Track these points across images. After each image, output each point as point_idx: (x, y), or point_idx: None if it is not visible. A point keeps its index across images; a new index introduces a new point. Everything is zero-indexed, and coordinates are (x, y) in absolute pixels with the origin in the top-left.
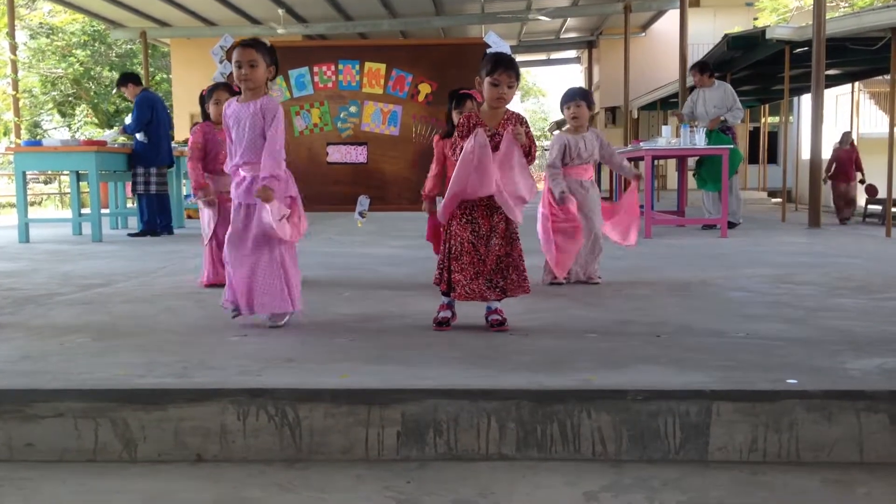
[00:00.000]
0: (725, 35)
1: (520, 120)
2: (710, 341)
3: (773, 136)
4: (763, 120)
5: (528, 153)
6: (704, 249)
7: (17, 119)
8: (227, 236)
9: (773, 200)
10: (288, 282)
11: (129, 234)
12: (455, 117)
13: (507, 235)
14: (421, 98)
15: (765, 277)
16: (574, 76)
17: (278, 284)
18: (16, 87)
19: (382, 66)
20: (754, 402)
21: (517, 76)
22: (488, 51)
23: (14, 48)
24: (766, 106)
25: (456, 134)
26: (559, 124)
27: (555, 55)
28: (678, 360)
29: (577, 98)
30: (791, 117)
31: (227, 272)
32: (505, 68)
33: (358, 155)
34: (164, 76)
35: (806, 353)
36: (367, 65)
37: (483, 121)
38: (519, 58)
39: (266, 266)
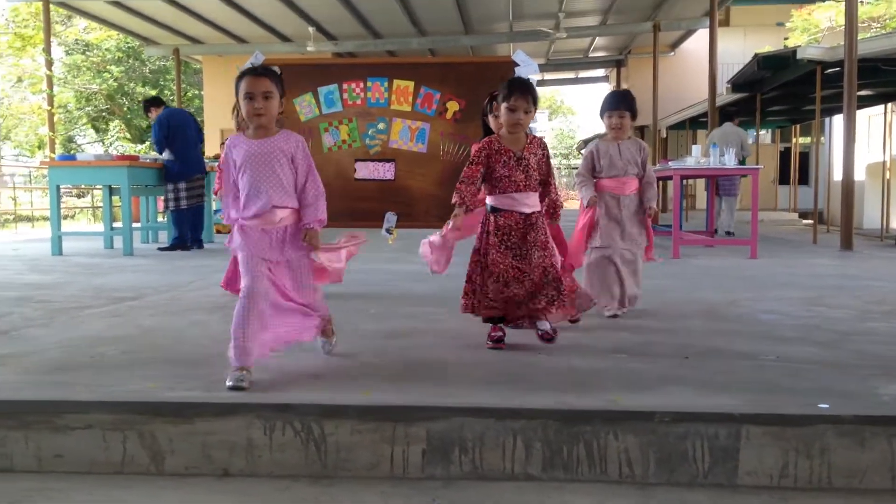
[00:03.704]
0: (756, 54)
1: (542, 144)
2: (739, 364)
3: (804, 157)
4: (794, 140)
5: (549, 183)
6: (733, 270)
7: (51, 134)
8: (253, 299)
9: (805, 222)
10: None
11: (160, 248)
12: (491, 121)
13: (547, 248)
14: (449, 116)
15: (795, 300)
16: (602, 95)
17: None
18: (51, 103)
19: (411, 84)
20: (785, 427)
21: (534, 100)
22: (517, 68)
23: (50, 64)
24: (798, 126)
25: (473, 154)
26: (587, 143)
27: (583, 74)
28: (707, 382)
29: (620, 108)
30: (823, 138)
31: (249, 341)
32: (521, 93)
33: (385, 172)
34: (196, 92)
35: (837, 378)
36: (396, 82)
37: (506, 146)
38: (547, 76)
39: (319, 299)
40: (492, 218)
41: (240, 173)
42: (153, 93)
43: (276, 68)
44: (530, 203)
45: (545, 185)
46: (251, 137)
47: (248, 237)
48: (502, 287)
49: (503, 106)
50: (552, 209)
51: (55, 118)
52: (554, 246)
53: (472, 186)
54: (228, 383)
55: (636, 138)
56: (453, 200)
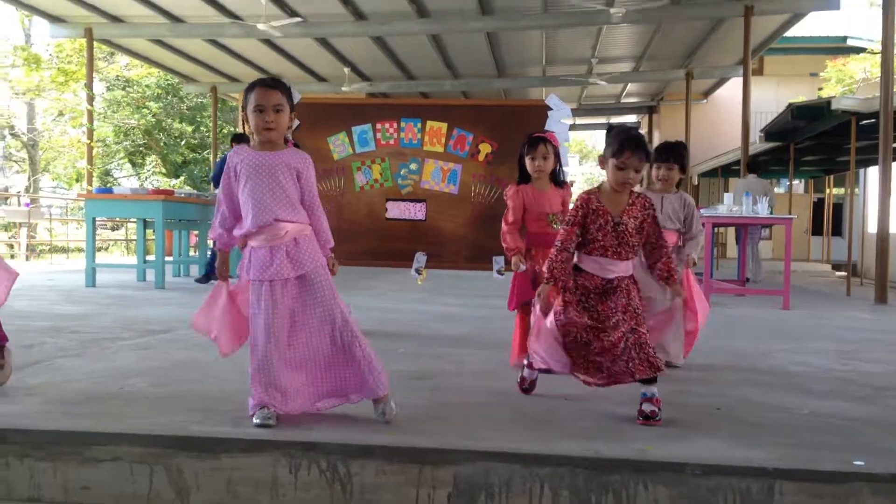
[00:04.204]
0: (790, 104)
1: (645, 205)
2: (771, 416)
3: (837, 208)
4: (828, 191)
5: (658, 245)
6: (765, 321)
7: (89, 167)
8: (270, 331)
9: (838, 274)
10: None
11: (196, 280)
12: (528, 163)
13: (629, 311)
14: (481, 157)
15: (829, 353)
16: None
17: (374, 357)
18: (91, 137)
19: (444, 125)
20: (818, 483)
21: (647, 156)
22: (549, 112)
23: (91, 99)
24: (831, 177)
25: (571, 212)
26: None
27: (615, 119)
28: (739, 435)
29: (669, 160)
30: (857, 189)
31: (272, 378)
32: (633, 150)
33: (417, 212)
34: (231, 129)
35: (873, 434)
36: (429, 123)
37: (605, 206)
38: (578, 121)
39: (351, 341)
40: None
41: (241, 186)
42: (189, 129)
43: (300, 97)
44: (616, 270)
45: (654, 247)
46: (256, 149)
47: (256, 260)
48: (582, 347)
49: (611, 162)
50: (666, 273)
51: (94, 152)
52: (640, 310)
53: (566, 253)
54: (255, 421)
55: (683, 193)
56: (545, 274)
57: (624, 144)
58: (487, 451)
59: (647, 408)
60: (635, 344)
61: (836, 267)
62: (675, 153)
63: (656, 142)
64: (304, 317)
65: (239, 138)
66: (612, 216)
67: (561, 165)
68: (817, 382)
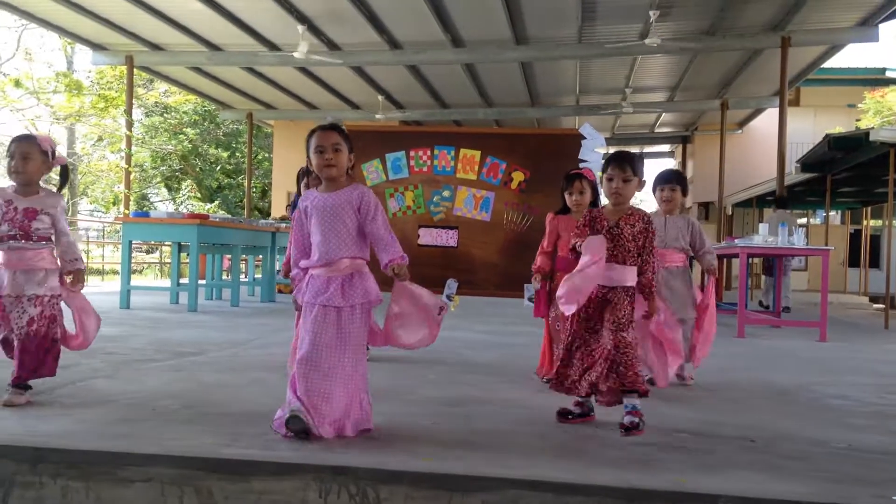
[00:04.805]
0: (827, 135)
1: (645, 218)
2: (808, 450)
3: (875, 240)
4: (865, 222)
5: (647, 261)
6: (801, 352)
7: (127, 191)
8: (306, 350)
9: (875, 306)
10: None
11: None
12: (567, 198)
13: (622, 325)
14: (514, 185)
15: (867, 386)
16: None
17: (367, 398)
18: (128, 161)
19: (477, 153)
20: None
21: (632, 168)
22: (583, 141)
23: (130, 125)
24: (869, 208)
25: (577, 223)
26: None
27: (648, 149)
28: (775, 468)
29: (672, 182)
30: (895, 221)
31: (299, 393)
32: (616, 163)
33: (449, 238)
34: (266, 155)
35: None
36: (463, 151)
37: (603, 215)
38: (612, 150)
39: (361, 379)
40: None
41: (311, 223)
42: (225, 154)
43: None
44: (614, 276)
45: (644, 262)
46: (322, 192)
47: (312, 285)
48: (578, 358)
49: (604, 179)
50: (647, 289)
51: (131, 176)
52: (630, 325)
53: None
54: (287, 415)
55: (686, 216)
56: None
57: (608, 161)
58: (518, 479)
59: (627, 420)
60: (622, 362)
61: (874, 299)
62: (676, 176)
63: (690, 172)
64: (337, 344)
65: (306, 172)
66: (609, 222)
67: (598, 198)
68: (855, 416)
